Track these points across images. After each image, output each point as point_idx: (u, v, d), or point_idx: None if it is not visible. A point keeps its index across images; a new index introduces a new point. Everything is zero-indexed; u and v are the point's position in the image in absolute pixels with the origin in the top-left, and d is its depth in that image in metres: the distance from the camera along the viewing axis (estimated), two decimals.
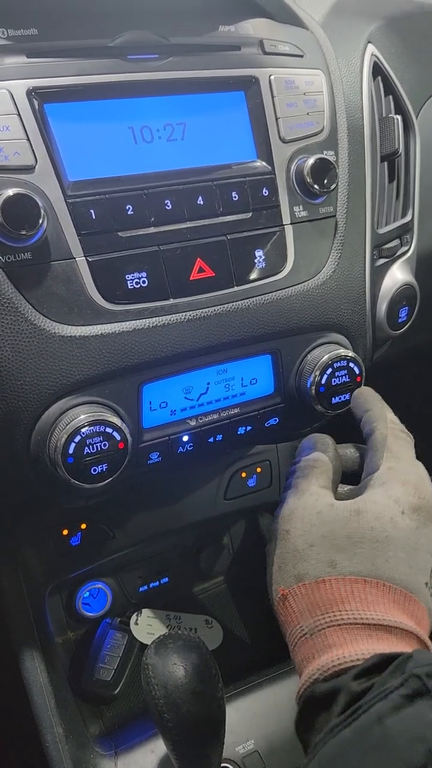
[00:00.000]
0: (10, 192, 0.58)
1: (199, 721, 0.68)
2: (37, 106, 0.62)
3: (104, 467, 0.64)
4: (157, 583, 1.08)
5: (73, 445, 0.62)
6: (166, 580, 1.08)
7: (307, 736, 0.52)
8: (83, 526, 0.86)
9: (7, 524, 0.80)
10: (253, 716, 0.89)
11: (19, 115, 0.61)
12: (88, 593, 1.00)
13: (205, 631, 1.07)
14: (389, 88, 0.85)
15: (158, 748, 0.84)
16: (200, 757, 0.72)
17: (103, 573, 0.99)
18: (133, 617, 1.05)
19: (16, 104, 0.61)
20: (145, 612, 1.06)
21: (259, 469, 0.98)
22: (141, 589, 1.07)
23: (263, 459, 0.98)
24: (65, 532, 0.85)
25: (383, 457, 0.63)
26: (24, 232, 0.59)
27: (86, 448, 0.62)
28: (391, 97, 0.85)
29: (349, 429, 0.74)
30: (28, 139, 0.61)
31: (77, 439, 0.62)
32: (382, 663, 0.48)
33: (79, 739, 0.81)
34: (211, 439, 0.74)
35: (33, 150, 0.61)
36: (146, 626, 1.05)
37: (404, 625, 0.53)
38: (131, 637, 1.02)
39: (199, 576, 1.12)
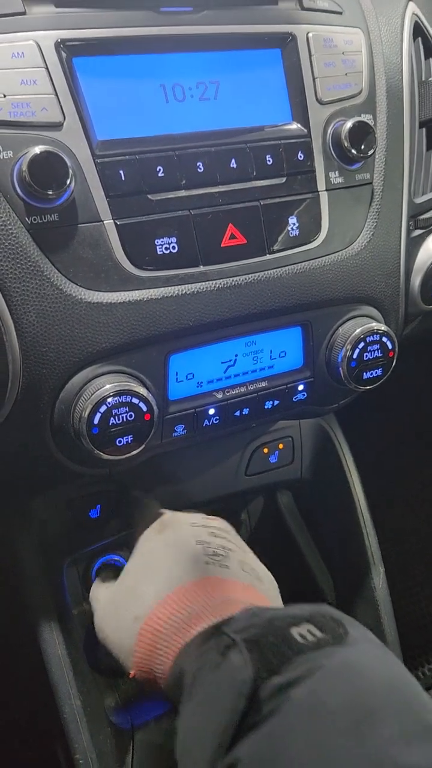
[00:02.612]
0: (37, 150, 0.56)
1: None
2: (65, 60, 0.59)
3: (130, 438, 0.62)
4: None
5: (98, 416, 0.60)
6: None
7: None
8: (103, 497, 0.85)
9: (26, 495, 0.79)
10: None
11: (47, 68, 0.58)
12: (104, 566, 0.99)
13: None
14: (430, 50, 0.81)
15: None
16: None
17: (119, 546, 0.98)
18: None
19: (44, 57, 0.58)
20: None
21: (281, 446, 0.96)
22: None
23: (286, 435, 0.96)
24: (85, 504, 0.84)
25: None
26: (51, 193, 0.56)
27: (112, 418, 0.61)
28: (431, 59, 0.81)
29: (370, 410, 0.72)
30: (56, 95, 0.58)
31: (102, 409, 0.60)
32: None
33: (96, 711, 0.81)
34: (237, 413, 0.72)
35: (61, 106, 0.58)
36: None
37: (207, 603, 0.57)
38: None
39: None
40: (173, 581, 0.60)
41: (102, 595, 0.71)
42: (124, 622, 0.62)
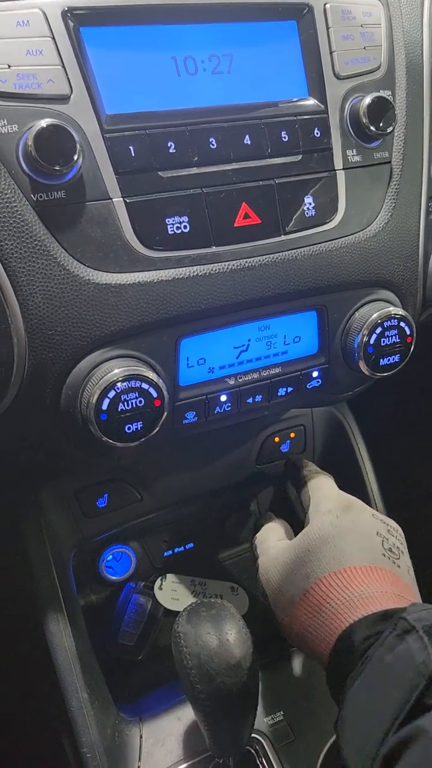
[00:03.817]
0: (44, 123, 0.53)
1: (233, 694, 0.65)
2: (72, 30, 0.56)
3: (139, 425, 0.60)
4: (182, 548, 1.05)
5: (107, 401, 0.58)
6: (191, 545, 1.06)
7: (336, 698, 0.60)
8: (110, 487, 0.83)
9: (33, 485, 0.77)
10: (281, 687, 0.87)
11: (53, 38, 0.56)
12: (111, 556, 0.98)
13: (230, 598, 1.04)
14: None
15: (185, 715, 0.82)
16: (232, 729, 0.69)
17: (127, 536, 0.96)
18: (158, 582, 1.03)
19: (50, 26, 0.55)
20: (170, 577, 1.04)
21: (293, 435, 0.94)
22: (166, 553, 1.05)
23: (298, 424, 0.94)
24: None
25: (310, 495, 0.79)
26: (58, 168, 0.54)
27: (121, 404, 0.58)
28: None
29: (385, 398, 0.70)
30: (63, 66, 0.56)
31: (111, 394, 0.58)
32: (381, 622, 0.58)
33: (103, 704, 0.79)
34: (249, 400, 0.70)
35: (68, 78, 0.56)
36: (170, 591, 1.03)
37: (382, 590, 0.62)
38: (155, 602, 1.00)
39: (225, 542, 1.09)
40: (348, 558, 0.66)
41: (273, 543, 0.78)
42: (294, 576, 0.68)
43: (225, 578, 1.07)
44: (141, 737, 0.80)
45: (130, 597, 1.00)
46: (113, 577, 0.97)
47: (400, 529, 0.74)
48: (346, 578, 0.64)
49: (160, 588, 1.03)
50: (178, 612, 0.85)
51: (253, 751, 0.79)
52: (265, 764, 0.78)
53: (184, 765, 0.77)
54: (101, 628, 0.95)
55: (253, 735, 0.79)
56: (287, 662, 0.91)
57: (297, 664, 0.91)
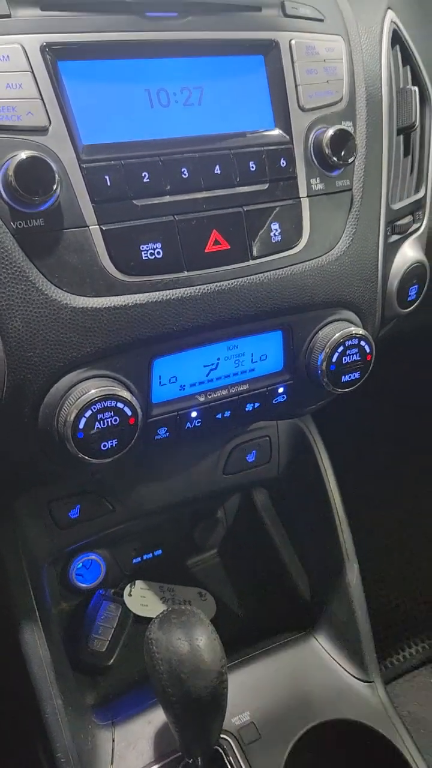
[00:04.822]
0: (23, 155, 0.55)
1: (203, 697, 0.68)
2: (50, 64, 0.59)
3: (114, 442, 0.63)
4: (151, 555, 1.08)
5: (83, 420, 0.60)
6: (160, 552, 1.08)
7: None
8: (82, 498, 0.85)
9: (9, 496, 0.79)
10: (249, 688, 0.90)
11: (32, 72, 0.58)
12: (81, 564, 1.00)
13: (198, 603, 1.08)
14: (407, 58, 0.83)
15: (156, 718, 0.85)
16: (201, 731, 0.72)
17: (97, 545, 0.98)
18: (127, 588, 1.06)
19: (29, 60, 0.58)
20: (139, 584, 1.07)
21: (258, 445, 0.97)
22: (135, 561, 1.07)
23: (263, 435, 0.97)
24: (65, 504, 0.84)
25: None
26: (37, 198, 0.56)
27: (97, 423, 0.61)
28: (408, 67, 0.83)
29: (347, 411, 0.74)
30: (42, 99, 0.58)
31: (88, 414, 0.60)
32: None
33: (77, 710, 0.82)
34: (219, 416, 0.73)
35: (47, 110, 0.58)
36: (140, 597, 1.06)
37: None
38: (125, 609, 1.03)
39: (193, 549, 1.13)
40: None
41: None
42: None
43: (193, 584, 1.10)
44: (113, 741, 0.83)
45: (101, 604, 1.02)
46: (83, 585, 1.00)
47: None
48: None
49: (130, 594, 1.05)
50: (148, 618, 0.88)
51: (221, 750, 0.82)
52: (233, 763, 0.82)
53: (155, 766, 0.80)
54: (72, 635, 0.97)
55: (221, 735, 0.82)
56: (254, 665, 0.94)
57: (263, 666, 0.94)
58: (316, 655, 0.97)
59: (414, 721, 1.37)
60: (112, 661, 0.97)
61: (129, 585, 1.06)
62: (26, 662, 0.77)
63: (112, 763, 0.80)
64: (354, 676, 0.95)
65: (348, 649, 0.97)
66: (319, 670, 0.95)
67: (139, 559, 1.08)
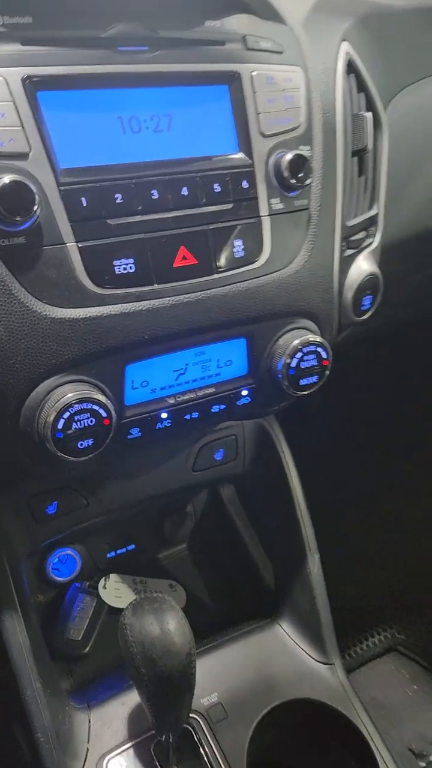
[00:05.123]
0: (6, 179, 0.60)
1: (173, 675, 0.74)
2: (30, 94, 0.64)
3: (90, 442, 0.68)
4: (124, 549, 1.14)
5: (62, 422, 0.66)
6: (133, 546, 1.14)
7: None
8: (59, 495, 0.91)
9: None
10: (216, 672, 0.96)
11: (14, 102, 0.63)
12: (57, 559, 1.05)
13: (169, 594, 1.13)
14: (361, 86, 0.89)
15: (129, 700, 0.90)
16: (172, 709, 0.78)
17: (72, 540, 1.03)
18: (102, 582, 1.11)
19: (11, 91, 0.63)
20: (113, 577, 1.12)
21: (225, 444, 1.03)
22: (108, 555, 1.12)
23: (230, 434, 1.03)
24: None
25: None
26: (19, 218, 0.61)
27: (74, 424, 0.66)
28: (362, 94, 0.89)
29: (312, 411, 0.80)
30: (23, 127, 0.63)
31: (66, 415, 0.66)
32: None
33: (54, 693, 0.87)
34: (187, 416, 0.79)
35: (27, 137, 0.63)
36: (114, 590, 1.11)
37: None
38: (100, 601, 1.08)
39: (164, 543, 1.18)
40: None
41: None
42: None
43: (164, 576, 1.16)
44: (89, 722, 0.88)
45: (76, 596, 1.07)
46: (60, 579, 1.05)
47: None
48: None
49: (104, 587, 1.11)
50: (122, 609, 0.93)
51: (191, 728, 0.88)
52: (202, 740, 0.88)
53: (129, 743, 0.86)
54: (49, 625, 1.02)
55: (191, 715, 0.88)
56: (221, 650, 1.00)
57: (229, 651, 1.00)
58: (279, 641, 1.03)
59: (376, 705, 1.45)
60: (87, 649, 1.03)
61: (104, 578, 1.11)
62: (7, 648, 0.82)
63: (88, 742, 0.86)
64: (315, 659, 1.02)
65: (309, 634, 1.04)
66: (282, 654, 1.01)
67: (113, 553, 1.13)
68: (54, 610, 1.06)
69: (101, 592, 1.09)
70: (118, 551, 1.13)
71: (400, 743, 1.38)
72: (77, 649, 1.02)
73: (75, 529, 0.95)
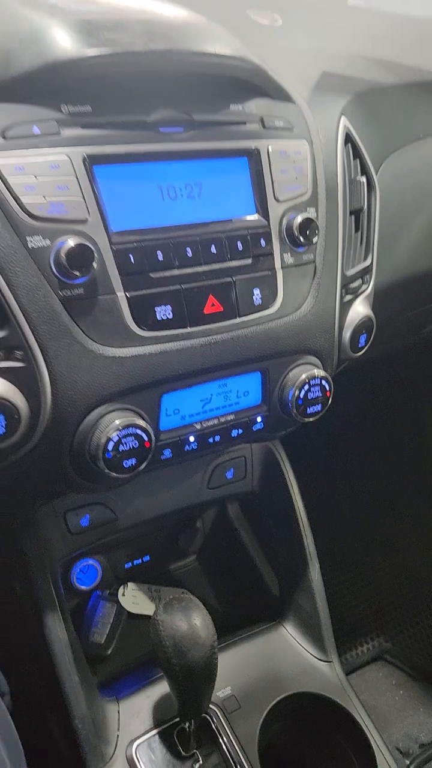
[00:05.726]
0: (72, 242, 0.72)
1: (198, 666, 0.85)
2: (89, 169, 0.76)
3: (133, 461, 0.80)
4: (140, 560, 1.24)
5: (111, 444, 0.77)
6: (148, 558, 1.25)
7: None
8: (92, 509, 1.02)
9: (34, 506, 0.95)
10: (229, 669, 1.07)
11: (76, 176, 0.75)
12: (80, 569, 1.15)
13: None
14: (356, 153, 1.03)
15: (153, 693, 1.01)
16: (196, 698, 0.89)
17: (94, 551, 1.14)
18: (120, 589, 1.22)
19: (74, 168, 0.75)
20: (131, 585, 1.23)
21: (236, 464, 1.15)
22: (126, 565, 1.23)
23: (240, 455, 1.16)
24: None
25: None
26: (79, 273, 0.73)
27: (121, 446, 0.78)
28: (357, 160, 1.03)
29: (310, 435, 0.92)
30: (83, 197, 0.76)
31: (115, 439, 0.77)
32: None
33: (88, 686, 0.97)
34: (211, 440, 0.91)
35: (87, 205, 0.75)
36: (132, 597, 1.22)
37: None
38: (119, 607, 1.19)
39: (176, 555, 1.29)
40: None
41: None
42: None
43: (176, 585, 1.27)
44: (119, 712, 0.99)
45: (98, 603, 1.18)
46: (83, 587, 1.15)
47: None
48: None
49: (123, 595, 1.21)
50: (139, 614, 1.05)
51: (209, 717, 0.99)
52: (219, 728, 0.99)
53: (155, 731, 0.97)
54: (75, 629, 1.13)
55: (209, 705, 0.99)
56: (233, 649, 1.11)
57: (240, 651, 1.12)
58: (284, 641, 1.15)
59: (366, 708, 1.56)
60: (110, 651, 1.13)
61: (122, 586, 1.22)
62: (49, 644, 0.92)
63: (119, 729, 0.96)
64: (316, 657, 1.14)
65: (311, 635, 1.15)
66: (286, 652, 1.13)
67: (130, 564, 1.24)
68: (78, 616, 1.16)
69: (120, 599, 1.20)
70: (135, 562, 1.24)
71: (389, 742, 1.49)
72: (101, 651, 1.13)
73: (103, 541, 1.06)
